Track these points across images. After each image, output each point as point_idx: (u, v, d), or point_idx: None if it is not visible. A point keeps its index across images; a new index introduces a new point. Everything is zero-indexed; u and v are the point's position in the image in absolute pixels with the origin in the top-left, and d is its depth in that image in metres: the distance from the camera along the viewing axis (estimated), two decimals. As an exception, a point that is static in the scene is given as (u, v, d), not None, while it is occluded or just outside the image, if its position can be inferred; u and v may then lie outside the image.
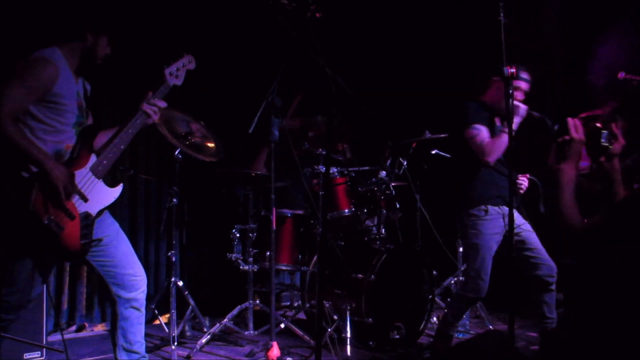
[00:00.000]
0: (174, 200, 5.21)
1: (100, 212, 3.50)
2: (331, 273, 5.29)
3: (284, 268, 5.57)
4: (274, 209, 4.51)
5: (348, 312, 4.92)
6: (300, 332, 5.10)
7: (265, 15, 3.43)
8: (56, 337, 5.22)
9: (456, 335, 5.02)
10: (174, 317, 5.02)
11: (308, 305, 5.50)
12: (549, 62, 6.84)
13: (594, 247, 2.55)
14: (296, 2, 3.38)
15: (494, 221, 4.50)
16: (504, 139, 4.36)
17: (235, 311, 5.28)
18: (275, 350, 4.39)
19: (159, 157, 6.36)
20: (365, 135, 6.57)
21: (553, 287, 4.44)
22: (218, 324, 5.17)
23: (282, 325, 5.24)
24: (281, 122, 4.46)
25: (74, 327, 5.74)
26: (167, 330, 5.18)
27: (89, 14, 3.56)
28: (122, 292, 3.65)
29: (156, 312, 5.50)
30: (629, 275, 2.35)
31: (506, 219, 4.40)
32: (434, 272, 5.48)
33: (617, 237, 2.39)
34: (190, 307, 5.38)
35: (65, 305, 5.73)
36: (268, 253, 5.24)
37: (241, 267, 5.41)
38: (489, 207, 4.48)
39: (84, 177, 3.43)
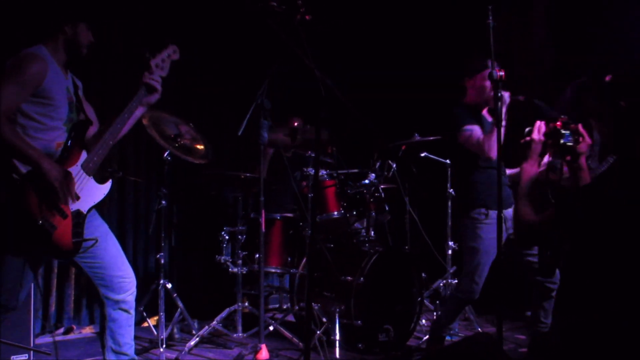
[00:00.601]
0: (163, 202, 5.21)
1: (90, 209, 3.50)
2: (320, 275, 5.28)
3: (273, 270, 5.56)
4: (263, 211, 4.51)
5: (337, 315, 4.92)
6: (289, 335, 5.10)
7: (254, 17, 3.43)
8: (44, 339, 5.20)
9: (446, 337, 5.02)
10: (163, 320, 5.02)
11: (297, 307, 5.50)
12: (538, 65, 6.87)
13: (548, 239, 2.63)
14: (285, 4, 3.38)
15: (494, 225, 4.47)
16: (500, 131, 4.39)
17: (224, 314, 5.27)
18: (264, 353, 4.39)
19: (148, 159, 6.34)
20: (355, 137, 6.58)
21: (554, 294, 4.42)
22: (207, 327, 5.16)
23: (271, 328, 5.23)
24: (270, 124, 4.46)
25: (61, 330, 5.71)
26: (155, 332, 5.18)
27: (62, 5, 3.57)
28: (111, 293, 3.64)
29: (144, 314, 5.48)
30: (581, 265, 2.38)
31: (508, 223, 4.41)
32: (423, 275, 5.49)
33: (565, 229, 2.44)
34: (179, 309, 5.37)
35: (53, 308, 5.71)
36: (257, 255, 5.24)
37: (230, 269, 5.40)
38: (490, 211, 4.45)
39: (75, 174, 3.43)
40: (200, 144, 5.03)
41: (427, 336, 4.98)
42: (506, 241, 4.51)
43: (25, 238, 3.26)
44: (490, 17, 4.17)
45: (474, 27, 4.67)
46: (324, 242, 5.51)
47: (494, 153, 4.36)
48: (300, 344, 4.97)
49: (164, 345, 4.96)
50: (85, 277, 3.65)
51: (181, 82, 6.33)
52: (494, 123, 4.46)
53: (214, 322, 5.20)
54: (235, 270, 5.36)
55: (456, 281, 5.89)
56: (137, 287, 3.77)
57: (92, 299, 5.87)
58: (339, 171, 5.53)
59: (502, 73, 3.99)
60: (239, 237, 5.41)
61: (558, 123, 2.62)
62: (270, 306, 6.77)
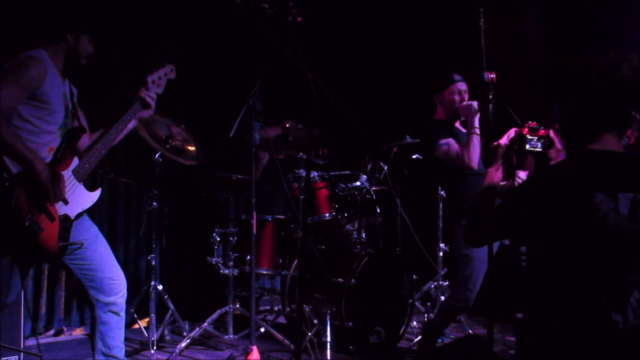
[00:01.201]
0: (154, 203, 5.20)
1: (78, 215, 3.50)
2: (311, 277, 5.28)
3: (265, 272, 5.56)
4: (254, 213, 4.51)
5: (328, 316, 4.92)
6: (280, 337, 5.10)
7: (246, 19, 3.42)
8: (34, 341, 5.17)
9: (437, 340, 5.03)
10: (154, 321, 5.01)
11: (288, 309, 5.49)
12: (529, 68, 6.90)
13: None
14: (277, 6, 3.38)
15: None
16: (475, 140, 4.41)
17: (215, 315, 5.27)
18: (255, 355, 4.38)
19: (139, 160, 6.33)
20: (346, 139, 6.58)
21: None
22: (198, 328, 5.15)
23: (262, 330, 5.23)
24: (261, 126, 4.46)
25: (52, 331, 5.70)
26: (146, 334, 5.17)
27: (67, 14, 3.58)
28: (101, 296, 3.63)
29: (135, 316, 5.47)
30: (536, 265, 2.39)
31: None
32: (414, 277, 5.49)
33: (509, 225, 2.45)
34: (170, 311, 5.36)
35: (43, 309, 5.69)
36: (248, 257, 5.24)
37: (221, 271, 5.40)
38: None
39: (66, 179, 3.43)
40: (191, 146, 5.02)
41: (418, 338, 4.99)
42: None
43: (11, 238, 3.25)
44: (482, 20, 4.19)
45: (466, 29, 4.69)
46: (315, 243, 5.51)
47: (474, 162, 4.41)
48: (292, 345, 4.98)
49: (155, 347, 4.96)
50: (76, 279, 3.64)
51: (173, 83, 6.32)
52: (468, 133, 4.49)
53: (205, 324, 5.19)
54: (227, 271, 5.36)
55: (447, 283, 5.91)
56: (128, 288, 3.76)
57: (83, 301, 5.85)
58: (331, 173, 5.53)
59: (493, 76, 4.01)
60: (230, 238, 5.41)
61: (524, 129, 2.63)
62: (262, 308, 6.77)
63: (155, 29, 6.35)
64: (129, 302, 3.87)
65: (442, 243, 5.98)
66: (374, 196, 5.59)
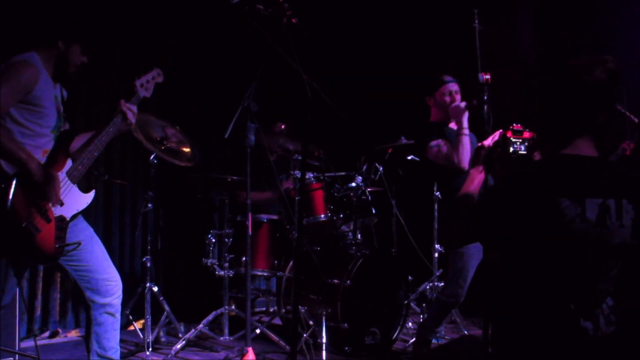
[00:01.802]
0: (149, 205, 5.19)
1: (73, 217, 3.50)
2: (307, 278, 5.28)
3: (260, 273, 5.56)
4: (249, 214, 4.51)
5: (324, 318, 4.91)
6: (275, 338, 5.10)
7: (241, 20, 3.42)
8: (29, 343, 5.17)
9: (432, 340, 5.04)
10: (149, 323, 5.01)
11: (284, 310, 5.49)
12: (523, 69, 6.90)
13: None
14: (272, 7, 3.38)
15: None
16: (464, 140, 4.41)
17: (210, 317, 5.27)
18: (250, 356, 4.38)
19: (134, 162, 6.32)
20: (342, 140, 6.58)
21: None
22: (193, 330, 5.15)
23: (258, 331, 5.23)
24: (257, 127, 4.46)
25: (47, 333, 5.68)
26: (141, 336, 5.16)
27: (60, 21, 3.58)
28: (97, 297, 3.64)
29: (130, 317, 5.46)
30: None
31: None
32: (410, 278, 5.49)
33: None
34: (165, 312, 5.35)
35: (38, 311, 5.67)
36: (244, 258, 5.24)
37: (217, 272, 5.39)
38: None
39: (61, 180, 3.43)
40: (186, 147, 5.02)
41: (414, 339, 5.00)
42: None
43: (7, 240, 3.25)
44: (477, 21, 4.20)
45: (461, 30, 4.70)
46: (311, 245, 5.51)
47: (465, 163, 4.41)
48: (287, 347, 4.97)
49: (150, 349, 4.95)
50: (72, 280, 3.64)
51: (167, 84, 6.32)
52: (457, 134, 4.50)
53: (201, 325, 5.19)
54: (222, 273, 5.35)
55: (442, 284, 5.91)
56: (123, 290, 3.76)
57: (78, 303, 5.85)
58: (326, 174, 5.53)
59: (488, 77, 4.02)
60: (226, 240, 5.40)
61: (509, 132, 2.61)
62: (257, 309, 6.76)
63: (151, 30, 6.35)
64: (124, 303, 3.87)
65: (437, 244, 5.98)
66: (369, 197, 5.59)
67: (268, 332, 5.17)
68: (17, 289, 3.91)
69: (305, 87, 3.10)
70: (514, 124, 2.64)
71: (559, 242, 2.19)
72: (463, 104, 4.47)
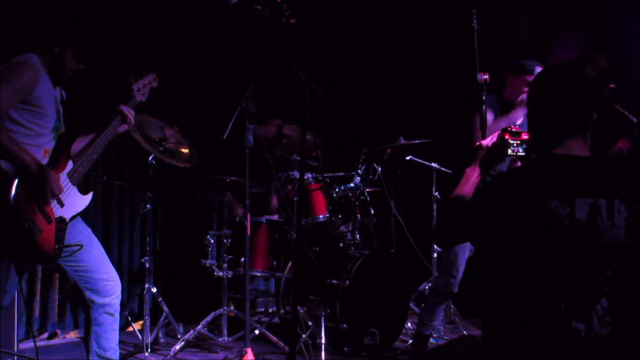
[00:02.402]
0: (148, 206, 5.19)
1: (72, 218, 3.52)
2: (306, 279, 5.28)
3: (259, 274, 5.56)
4: (248, 215, 4.50)
5: (323, 318, 4.91)
6: (274, 339, 5.09)
7: (239, 21, 3.43)
8: (28, 344, 5.16)
9: (431, 340, 5.04)
10: (148, 324, 5.00)
11: (283, 311, 5.49)
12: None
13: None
14: (270, 8, 3.38)
15: None
16: (502, 122, 4.44)
17: (209, 317, 5.26)
18: (249, 357, 4.38)
19: (132, 163, 6.31)
20: (340, 141, 6.58)
21: None
22: (192, 331, 5.15)
23: (257, 332, 5.23)
24: (256, 128, 4.46)
25: (45, 335, 5.67)
26: (140, 337, 5.15)
27: (55, 26, 3.60)
28: (96, 297, 3.66)
29: (129, 318, 5.46)
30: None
31: None
32: (409, 278, 5.49)
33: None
34: (164, 313, 5.35)
35: (37, 313, 5.66)
36: (243, 259, 5.23)
37: (215, 273, 5.39)
38: None
39: (62, 182, 3.44)
40: (185, 148, 5.01)
41: (413, 339, 5.00)
42: None
43: (9, 239, 3.26)
44: (475, 21, 4.20)
45: (460, 30, 4.69)
46: (310, 245, 5.51)
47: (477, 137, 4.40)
48: (286, 347, 4.97)
49: (149, 350, 4.95)
50: (71, 281, 3.66)
51: (166, 85, 6.32)
52: (502, 115, 4.56)
53: (200, 326, 5.19)
54: (221, 274, 5.35)
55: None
56: (122, 291, 3.78)
57: (76, 304, 5.84)
58: (325, 174, 5.53)
59: (486, 77, 4.02)
60: (225, 240, 5.40)
61: (506, 133, 2.60)
62: (256, 310, 6.76)
63: (151, 30, 6.35)
64: (123, 304, 3.88)
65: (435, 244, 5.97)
66: (368, 197, 5.59)
67: (267, 332, 5.17)
68: (16, 290, 3.91)
69: (303, 88, 3.10)
70: (512, 126, 2.63)
71: (549, 243, 2.18)
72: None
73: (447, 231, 2.57)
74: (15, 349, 4.42)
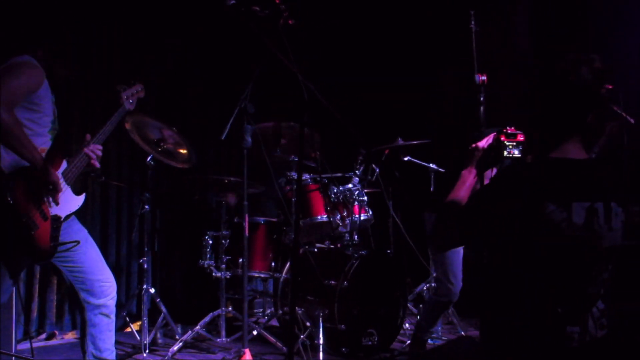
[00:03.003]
0: (146, 206, 5.19)
1: (67, 217, 3.54)
2: (304, 280, 5.28)
3: (257, 275, 5.56)
4: (246, 215, 4.51)
5: (321, 319, 4.91)
6: (272, 339, 5.09)
7: (237, 22, 3.43)
8: (26, 345, 5.15)
9: (429, 341, 5.04)
10: (146, 325, 5.00)
11: (281, 312, 5.49)
12: (520, 70, 6.91)
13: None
14: (269, 9, 3.39)
15: None
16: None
17: (207, 318, 5.26)
18: (247, 357, 4.39)
19: (130, 163, 6.31)
20: (338, 142, 6.58)
21: None
22: (190, 332, 5.14)
23: (255, 333, 5.22)
24: (253, 128, 4.46)
25: (44, 335, 5.67)
26: (138, 337, 5.15)
27: (36, 31, 3.62)
28: (91, 298, 3.66)
29: (127, 319, 5.46)
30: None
31: None
32: (407, 278, 5.49)
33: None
34: (162, 314, 5.34)
35: (35, 313, 5.67)
36: (241, 260, 5.23)
37: (214, 274, 5.39)
38: None
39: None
40: (183, 148, 5.02)
41: (410, 340, 5.00)
42: None
43: (6, 233, 3.28)
44: (473, 22, 4.21)
45: (458, 31, 4.70)
46: (308, 246, 5.51)
47: None
48: (284, 348, 4.97)
49: (147, 351, 4.95)
50: (67, 282, 3.66)
51: (164, 86, 6.33)
52: None
53: (198, 327, 5.18)
54: (219, 274, 5.35)
55: (434, 284, 5.93)
56: (120, 292, 3.79)
57: (75, 304, 5.83)
58: (323, 175, 5.53)
59: (484, 78, 4.03)
60: (223, 241, 5.40)
61: (502, 135, 2.59)
62: (254, 311, 6.76)
63: (144, 30, 6.35)
64: (121, 305, 3.88)
65: (433, 245, 5.97)
66: (366, 198, 5.59)
67: (265, 333, 5.16)
68: (14, 290, 3.92)
69: (301, 89, 3.10)
70: (508, 127, 2.63)
71: (546, 247, 2.18)
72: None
73: (443, 234, 2.57)
74: (13, 350, 4.42)
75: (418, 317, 5.66)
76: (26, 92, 3.36)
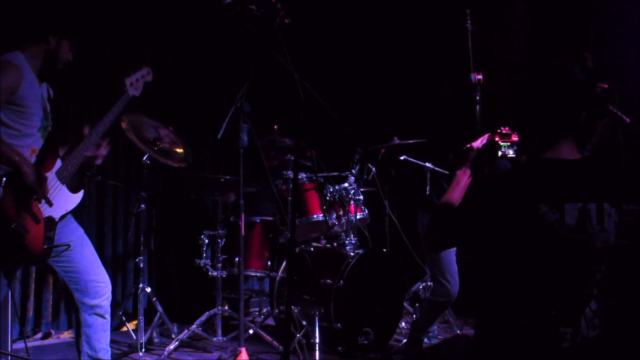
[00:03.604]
0: (142, 205, 5.18)
1: (62, 217, 3.51)
2: (300, 279, 5.29)
3: (253, 274, 5.56)
4: (242, 214, 4.50)
5: (317, 318, 4.92)
6: (269, 338, 5.09)
7: (233, 21, 3.43)
8: (22, 344, 5.14)
9: (424, 340, 5.05)
10: (142, 324, 4.99)
11: (277, 311, 5.49)
12: (516, 70, 6.92)
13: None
14: (265, 8, 3.39)
15: None
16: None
17: (203, 317, 5.25)
18: (243, 356, 4.38)
19: (127, 162, 6.30)
20: (334, 141, 6.58)
21: None
22: (186, 331, 5.14)
23: (251, 331, 5.22)
24: (249, 127, 4.46)
25: (39, 335, 5.66)
26: (134, 336, 5.14)
27: (52, 16, 3.58)
28: (86, 298, 3.65)
29: (124, 318, 5.45)
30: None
31: None
32: (403, 277, 5.50)
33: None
34: (158, 313, 5.34)
35: (30, 312, 5.65)
36: (237, 259, 5.23)
37: (210, 273, 5.39)
38: None
39: (49, 181, 3.43)
40: (179, 148, 5.01)
41: (407, 339, 5.01)
42: None
43: None
44: (469, 21, 4.21)
45: (454, 31, 4.70)
46: (304, 245, 5.51)
47: None
48: (280, 347, 4.97)
49: (144, 350, 4.94)
50: (62, 281, 3.65)
51: (160, 85, 6.31)
52: None
53: (194, 326, 5.18)
54: (215, 273, 5.35)
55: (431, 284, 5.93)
56: (116, 291, 3.77)
57: (71, 304, 5.80)
58: (319, 174, 5.53)
59: (480, 77, 4.03)
60: (219, 240, 5.40)
61: (496, 135, 2.58)
62: (250, 310, 6.76)
63: (152, 30, 6.34)
64: (117, 304, 3.87)
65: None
66: (362, 197, 5.60)
67: (261, 332, 5.16)
68: (9, 290, 3.91)
69: (297, 88, 3.10)
70: (502, 127, 2.62)
71: (538, 247, 2.18)
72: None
73: (438, 235, 2.57)
74: (9, 349, 4.42)
75: (414, 316, 5.66)
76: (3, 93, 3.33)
